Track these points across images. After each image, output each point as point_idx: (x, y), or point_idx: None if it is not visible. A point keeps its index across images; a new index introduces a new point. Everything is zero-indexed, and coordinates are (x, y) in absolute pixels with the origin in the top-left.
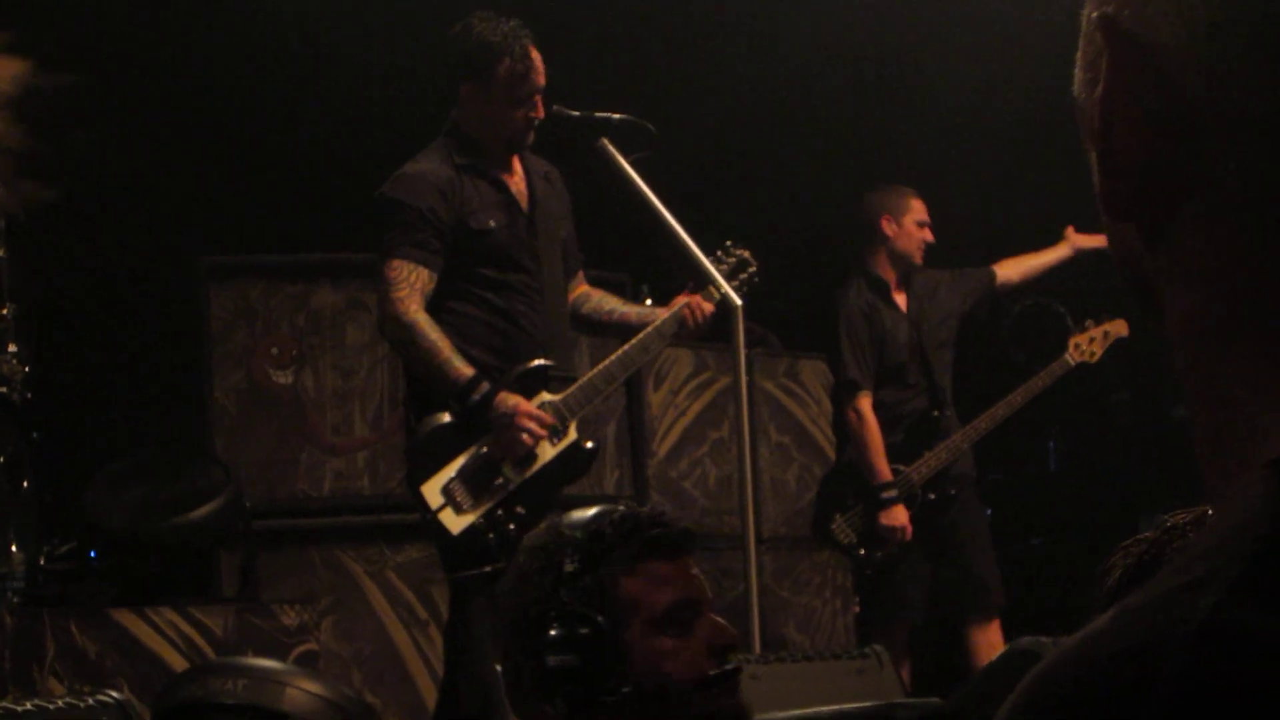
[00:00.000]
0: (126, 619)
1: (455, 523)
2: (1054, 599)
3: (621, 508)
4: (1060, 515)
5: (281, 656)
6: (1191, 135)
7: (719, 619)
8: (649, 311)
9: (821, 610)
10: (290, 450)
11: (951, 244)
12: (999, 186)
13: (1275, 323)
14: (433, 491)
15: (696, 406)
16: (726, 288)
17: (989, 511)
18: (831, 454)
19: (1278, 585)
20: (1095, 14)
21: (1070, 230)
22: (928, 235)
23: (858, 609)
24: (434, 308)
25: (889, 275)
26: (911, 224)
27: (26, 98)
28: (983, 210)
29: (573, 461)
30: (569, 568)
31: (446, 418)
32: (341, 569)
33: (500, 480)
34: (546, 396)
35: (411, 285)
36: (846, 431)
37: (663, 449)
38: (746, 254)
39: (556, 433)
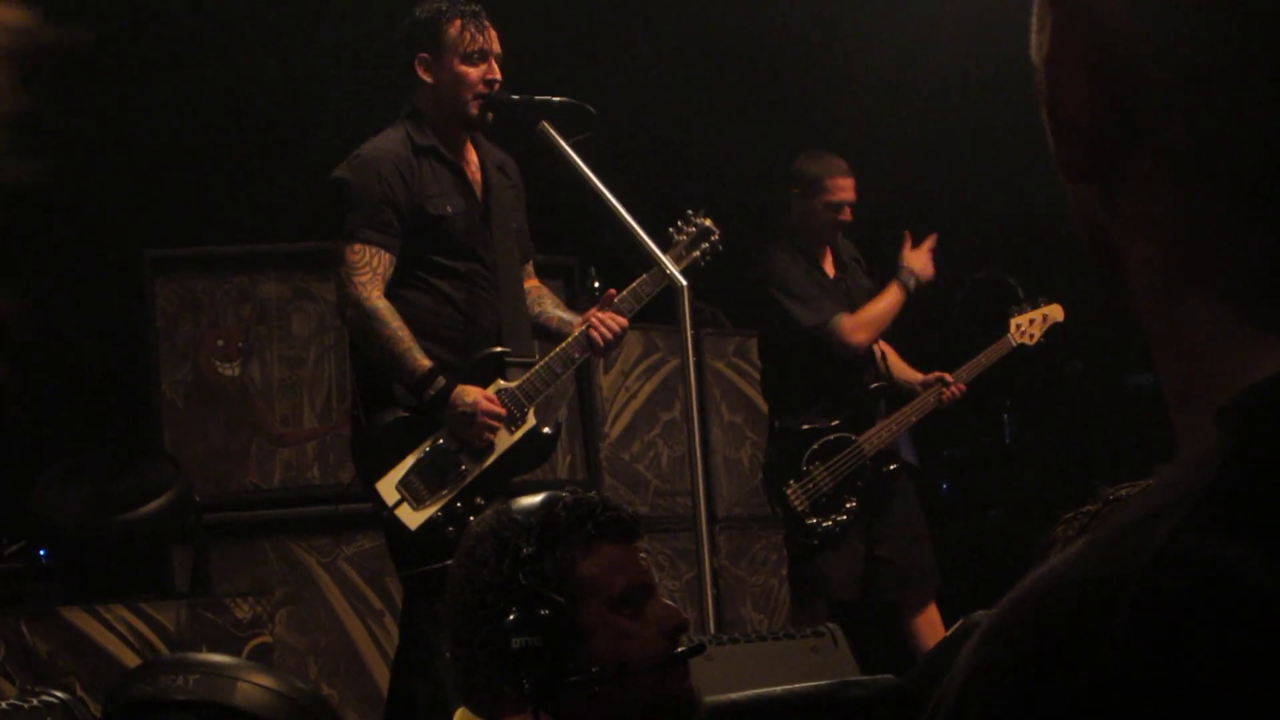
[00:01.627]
0: (77, 617)
1: (413, 518)
2: (1011, 572)
3: (569, 493)
4: (1017, 488)
5: (235, 650)
6: (1136, 91)
7: (669, 601)
8: (566, 323)
9: (778, 589)
10: (239, 442)
11: (884, 214)
12: (929, 157)
13: (1230, 268)
14: (388, 487)
15: (647, 388)
16: (672, 268)
17: (945, 486)
18: None
19: (1232, 515)
20: None
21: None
22: (843, 217)
23: None
24: (389, 296)
25: (811, 242)
26: (820, 205)
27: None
28: (915, 180)
29: (533, 447)
30: (526, 551)
31: (400, 412)
32: (294, 561)
33: (459, 471)
34: (503, 383)
35: (374, 270)
36: (791, 390)
37: (614, 432)
38: (708, 222)
39: (514, 420)
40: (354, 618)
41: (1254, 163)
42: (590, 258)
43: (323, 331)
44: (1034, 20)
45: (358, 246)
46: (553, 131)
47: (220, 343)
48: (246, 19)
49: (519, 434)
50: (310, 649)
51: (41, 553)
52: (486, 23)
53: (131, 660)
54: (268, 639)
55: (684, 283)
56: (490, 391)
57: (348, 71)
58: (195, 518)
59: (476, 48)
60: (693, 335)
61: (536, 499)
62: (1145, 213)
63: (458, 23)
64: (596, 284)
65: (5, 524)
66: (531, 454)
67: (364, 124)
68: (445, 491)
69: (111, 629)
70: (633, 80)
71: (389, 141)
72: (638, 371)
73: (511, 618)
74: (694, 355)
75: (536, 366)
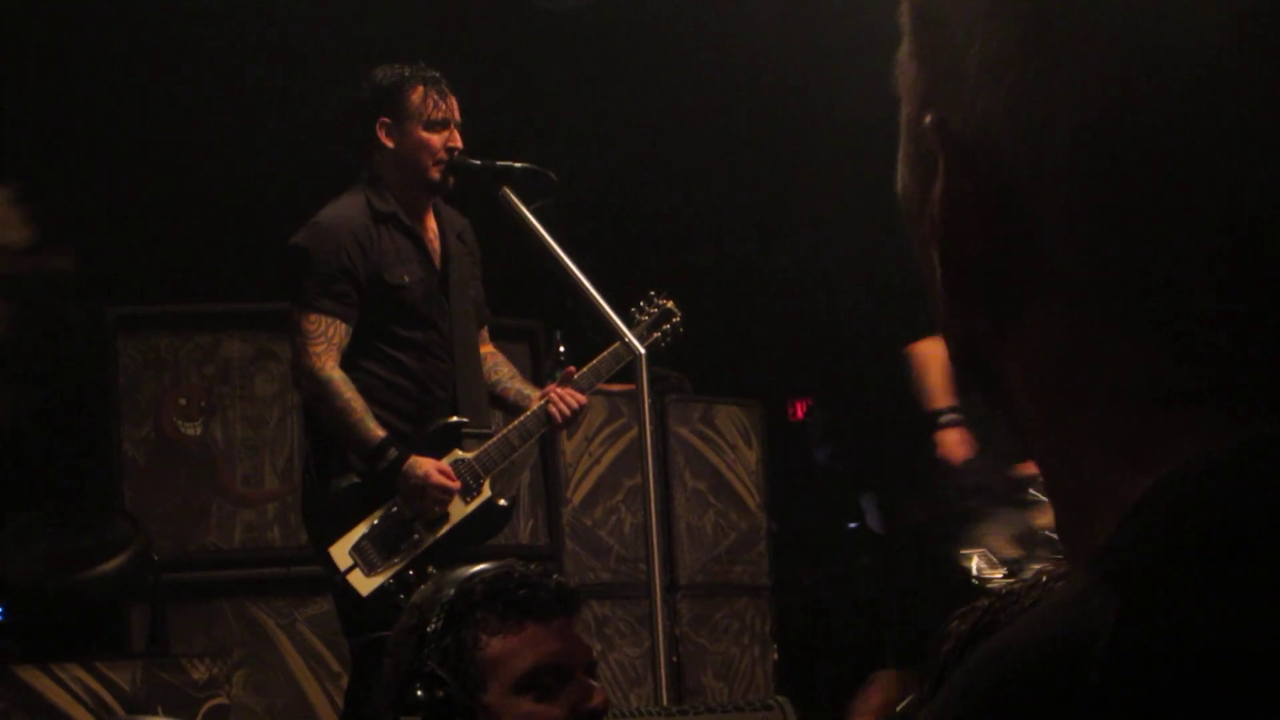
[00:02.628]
0: (32, 676)
1: (365, 584)
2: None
3: (499, 566)
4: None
5: (192, 712)
6: (1029, 230)
7: (592, 682)
8: (524, 396)
9: (740, 657)
10: (200, 502)
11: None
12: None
13: (1120, 388)
14: (341, 552)
15: (611, 454)
16: (629, 336)
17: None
18: (750, 501)
19: (1182, 575)
20: (927, 118)
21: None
22: None
23: (776, 656)
24: (344, 365)
25: None
26: None
27: None
28: (886, 237)
29: (487, 519)
30: (432, 627)
31: (354, 478)
32: (253, 622)
33: (411, 540)
34: (460, 454)
35: (329, 340)
36: None
37: (577, 497)
38: (670, 304)
39: (469, 491)
40: (312, 680)
41: (1136, 288)
42: (555, 321)
43: (286, 392)
44: (902, 154)
45: (313, 316)
46: (514, 197)
47: (183, 401)
48: (213, 80)
49: (474, 505)
50: (267, 711)
51: None
52: (448, 89)
53: None
54: (224, 700)
55: (642, 350)
56: (445, 463)
57: (314, 133)
58: (154, 577)
59: (440, 115)
60: (657, 401)
61: (465, 571)
62: (1035, 338)
63: (420, 89)
64: (562, 349)
65: None
66: (486, 525)
67: (330, 185)
68: (398, 559)
69: (66, 688)
70: (596, 145)
71: (348, 208)
72: (601, 437)
73: (414, 696)
74: (658, 421)
75: (494, 439)
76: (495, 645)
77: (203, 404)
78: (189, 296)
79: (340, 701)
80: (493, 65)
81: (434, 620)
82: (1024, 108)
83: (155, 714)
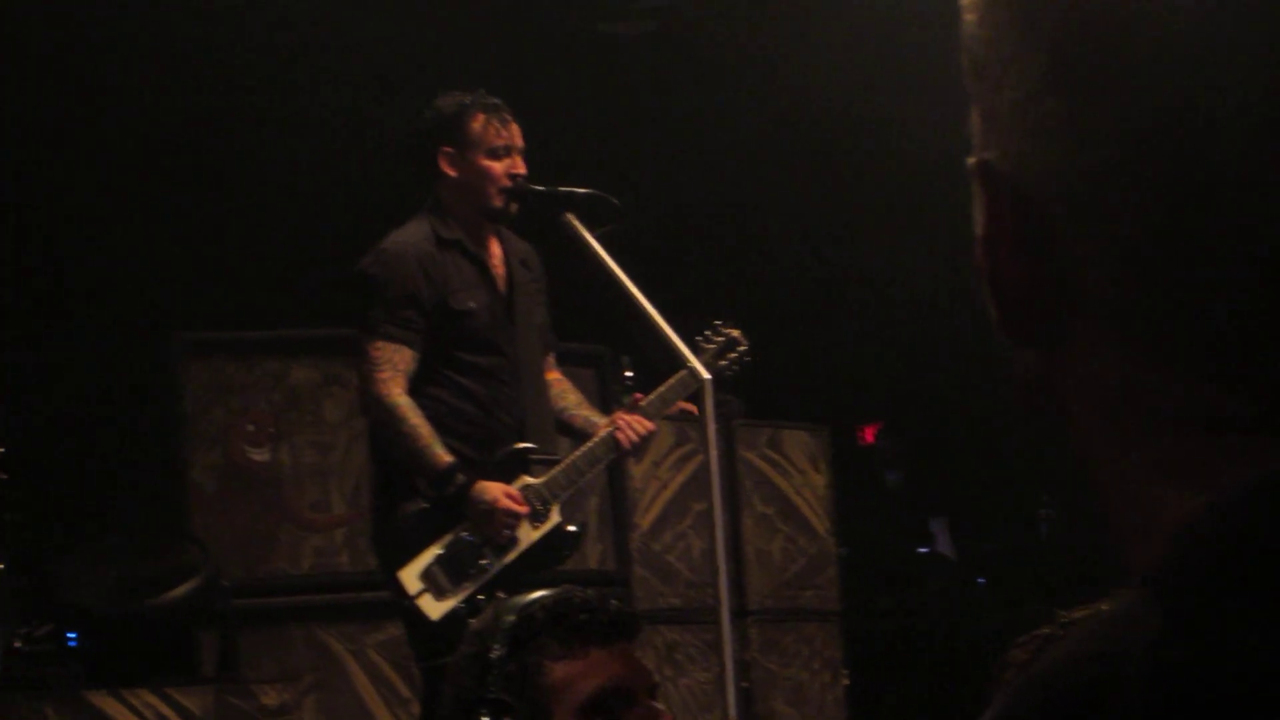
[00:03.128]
0: (103, 701)
1: (435, 608)
2: None
3: (558, 592)
4: (1054, 583)
5: None
6: (1067, 263)
7: (657, 705)
8: (591, 423)
9: (810, 683)
10: (268, 527)
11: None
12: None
13: (1167, 415)
14: (410, 577)
15: (679, 478)
16: (694, 361)
17: (982, 580)
18: (819, 525)
19: (1228, 596)
20: (971, 160)
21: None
22: None
23: (847, 681)
24: (411, 392)
25: None
26: None
27: None
28: (947, 261)
29: (556, 545)
30: (495, 654)
31: (423, 503)
32: (322, 647)
33: (481, 565)
34: (528, 480)
35: (395, 366)
36: None
37: (646, 522)
38: (736, 333)
39: (539, 516)
40: (381, 705)
41: (1171, 318)
42: (622, 347)
43: (353, 418)
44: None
45: (379, 343)
46: (577, 223)
47: (250, 428)
48: (281, 109)
49: (543, 530)
50: None
51: (69, 636)
52: (509, 117)
53: None
54: None
55: (707, 376)
56: (514, 488)
57: (381, 160)
58: (223, 602)
59: (501, 143)
60: (725, 426)
61: (527, 598)
62: (1084, 372)
63: (481, 117)
64: (628, 374)
65: (33, 607)
66: (555, 550)
67: (400, 209)
68: (467, 584)
69: (137, 714)
70: (659, 170)
71: (413, 235)
72: (670, 462)
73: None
74: (726, 446)
75: (562, 465)
76: (559, 671)
77: (271, 430)
78: (257, 323)
79: None
80: (556, 91)
81: (497, 647)
82: (1051, 143)
83: None
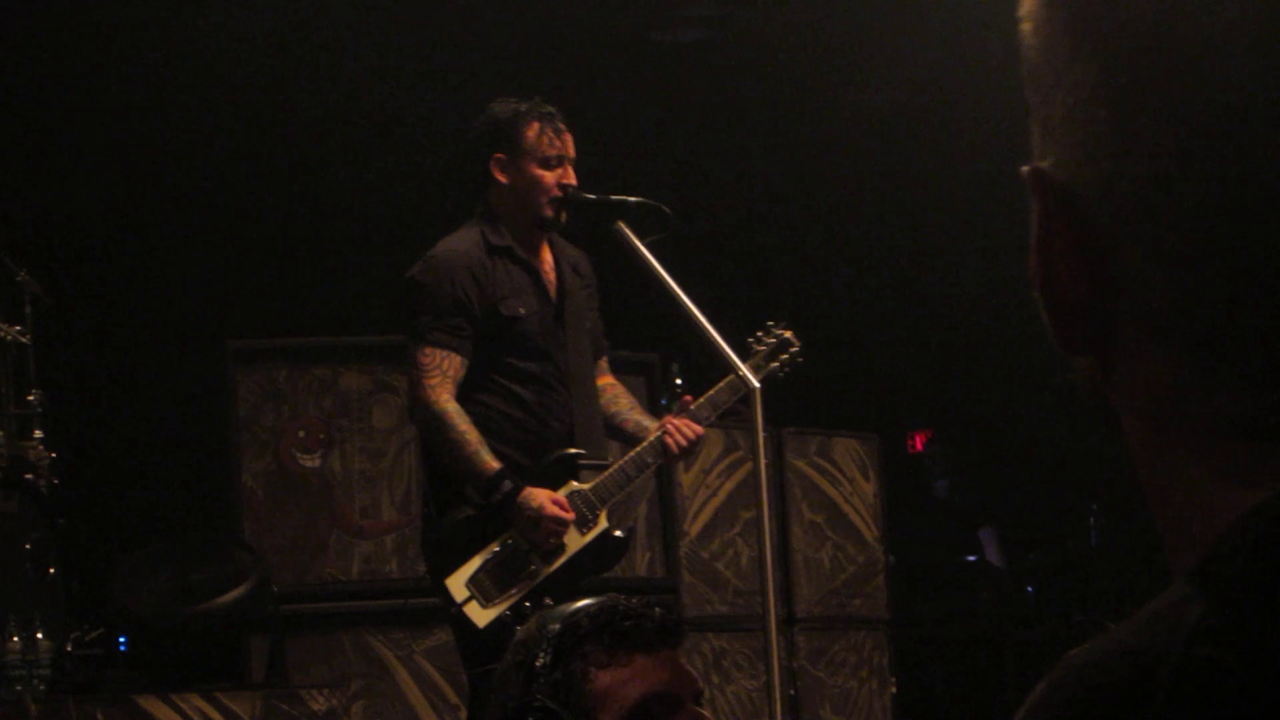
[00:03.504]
0: (153, 705)
1: (481, 616)
2: None
3: (603, 600)
4: (1103, 592)
5: None
6: (1116, 272)
7: (703, 712)
8: (642, 427)
9: (858, 691)
10: (318, 534)
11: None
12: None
13: (1201, 425)
14: (457, 584)
15: (728, 486)
16: (744, 369)
17: (1031, 590)
18: (868, 533)
19: (1264, 597)
20: (1025, 168)
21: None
22: None
23: (894, 689)
24: (460, 398)
25: None
26: None
27: None
28: (1004, 269)
29: (603, 551)
30: (540, 661)
31: (471, 510)
32: (371, 653)
33: (528, 571)
34: (576, 485)
35: (444, 372)
36: None
37: (694, 529)
38: (789, 334)
39: (586, 522)
40: (429, 712)
41: (1219, 326)
42: (672, 354)
43: (404, 424)
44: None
45: (428, 349)
46: (628, 232)
47: (301, 434)
48: (335, 116)
49: (590, 536)
50: None
51: (120, 640)
52: (563, 126)
53: None
54: None
55: (756, 384)
56: (561, 494)
57: (431, 166)
58: (273, 608)
59: (554, 152)
60: (775, 434)
61: (571, 606)
62: (1134, 377)
63: (535, 125)
64: (679, 381)
65: (84, 611)
66: (603, 557)
67: (446, 218)
68: (514, 591)
69: (186, 718)
70: (711, 177)
71: (463, 241)
72: (719, 469)
73: None
74: (775, 454)
75: (610, 470)
76: (604, 678)
77: (321, 436)
78: (307, 330)
79: None
80: (607, 98)
81: (542, 655)
82: (1101, 152)
83: None
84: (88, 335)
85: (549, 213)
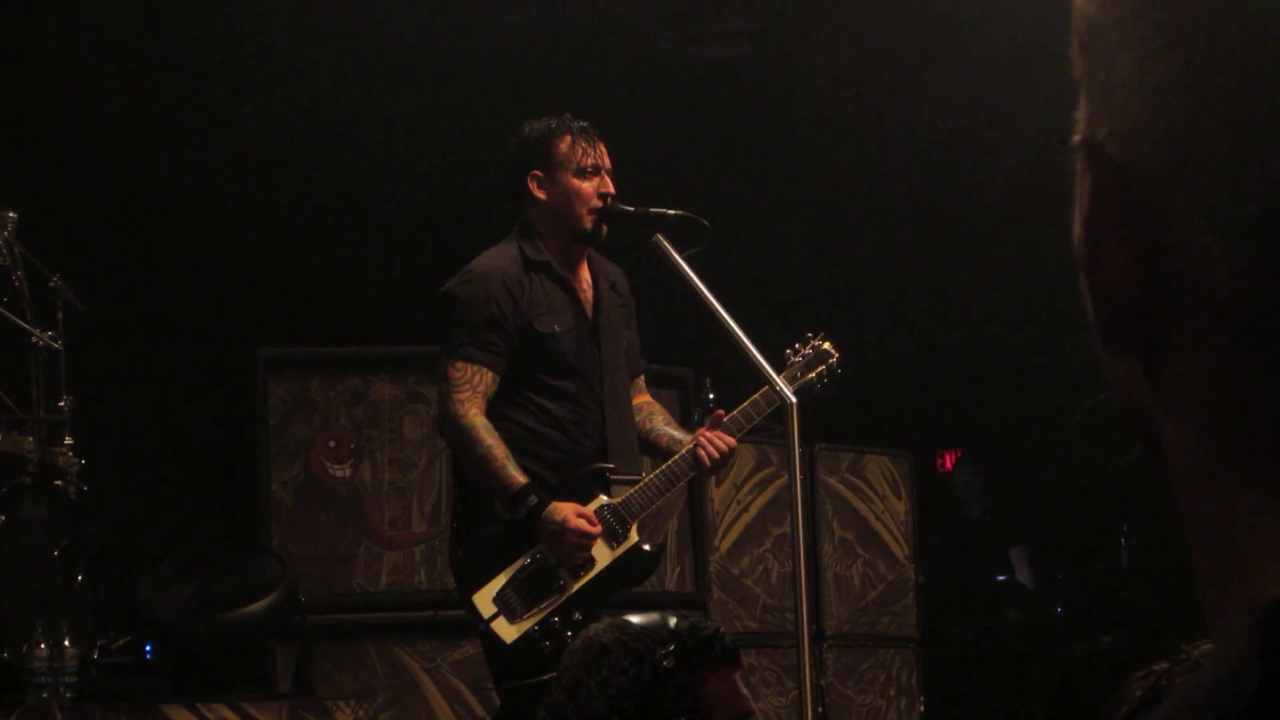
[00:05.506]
0: (178, 714)
1: (509, 631)
2: None
3: (686, 616)
4: (1134, 612)
5: None
6: (1180, 253)
7: None
8: (676, 441)
9: (886, 709)
10: (347, 544)
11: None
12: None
13: (1267, 452)
14: (485, 600)
15: (759, 502)
16: (781, 385)
17: (1060, 609)
18: (898, 551)
19: None
20: (1076, 139)
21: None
22: None
23: (923, 708)
24: (492, 414)
25: None
26: None
27: None
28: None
29: (633, 565)
30: (667, 664)
31: (498, 526)
32: (398, 665)
33: (556, 586)
34: (605, 500)
35: (474, 387)
36: None
37: (724, 545)
38: (827, 345)
39: (615, 536)
40: None
41: None
42: (706, 369)
43: (434, 435)
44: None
45: (459, 364)
46: (667, 245)
47: (332, 444)
48: (371, 128)
49: (620, 550)
50: None
51: (146, 648)
52: (596, 136)
53: None
54: None
55: (793, 399)
56: (590, 508)
57: (468, 180)
58: (300, 618)
59: (590, 162)
60: (807, 450)
61: (654, 617)
62: (1187, 386)
63: (568, 138)
64: (711, 395)
65: (111, 619)
66: (633, 571)
67: (484, 231)
68: (543, 606)
69: None
70: (748, 190)
71: (500, 258)
72: (750, 485)
73: None
74: (808, 470)
75: (641, 484)
76: (713, 685)
77: (352, 446)
78: (339, 340)
79: None
80: (646, 113)
81: (667, 659)
82: (1172, 107)
83: None
84: (119, 341)
85: (589, 225)
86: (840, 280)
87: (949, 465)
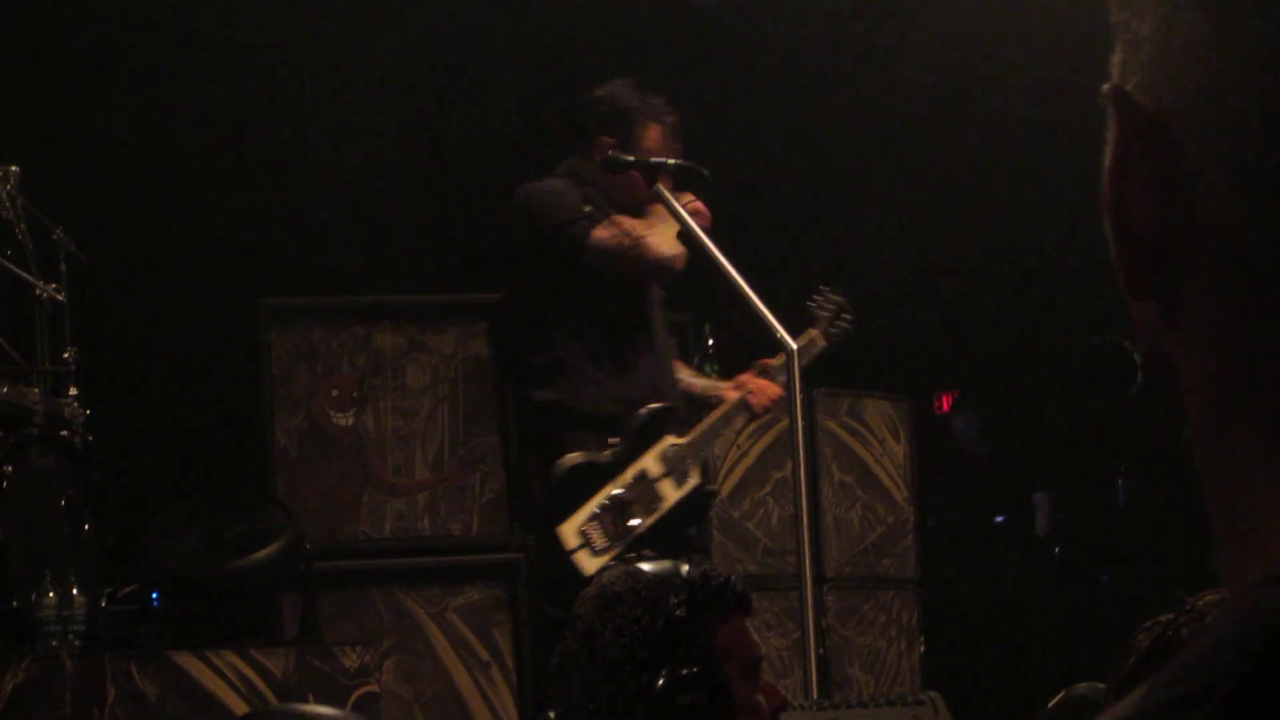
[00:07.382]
0: (187, 661)
1: (590, 564)
2: (1118, 638)
3: (697, 563)
4: (1128, 551)
5: (342, 699)
6: (1202, 198)
7: (769, 680)
8: (712, 386)
9: (886, 650)
10: (351, 492)
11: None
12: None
13: (1276, 401)
14: (569, 532)
15: (759, 446)
16: (783, 333)
17: (1057, 550)
18: (897, 494)
19: (1267, 707)
20: (1106, 87)
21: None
22: None
23: (923, 649)
24: (550, 343)
25: None
26: None
27: None
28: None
29: (696, 504)
30: (679, 612)
31: (580, 457)
32: (403, 610)
33: (632, 523)
34: (672, 440)
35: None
36: None
37: (725, 489)
38: (843, 299)
39: (681, 476)
40: (461, 669)
41: None
42: (705, 314)
43: (437, 383)
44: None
45: (596, 232)
46: (667, 193)
47: (335, 392)
48: (372, 75)
49: (686, 489)
50: (416, 699)
51: (153, 597)
52: (680, 131)
53: (239, 706)
54: (374, 688)
55: (794, 346)
56: (662, 447)
57: (470, 130)
58: (306, 565)
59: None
60: (807, 395)
61: (666, 565)
62: (1205, 325)
63: (657, 130)
64: (711, 341)
65: (118, 568)
66: (695, 509)
67: (485, 180)
68: (620, 541)
69: (220, 674)
70: (743, 139)
71: (564, 186)
72: (750, 429)
73: (682, 674)
74: (807, 414)
75: (702, 426)
76: (724, 633)
77: (355, 395)
78: (341, 288)
79: (489, 691)
80: (638, 61)
81: (679, 607)
82: (1193, 64)
83: (306, 703)
84: (122, 293)
85: (630, 208)
86: (840, 226)
87: (945, 408)
